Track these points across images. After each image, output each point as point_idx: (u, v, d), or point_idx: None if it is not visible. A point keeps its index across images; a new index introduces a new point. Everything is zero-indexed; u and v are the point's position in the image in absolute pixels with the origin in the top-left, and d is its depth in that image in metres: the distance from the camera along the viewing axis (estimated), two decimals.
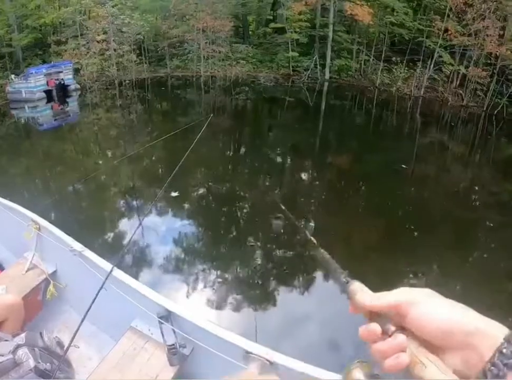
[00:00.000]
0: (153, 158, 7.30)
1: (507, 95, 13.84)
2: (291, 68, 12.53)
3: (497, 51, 13.07)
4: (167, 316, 1.64)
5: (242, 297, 3.91)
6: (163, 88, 13.22)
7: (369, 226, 5.45)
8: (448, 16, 13.47)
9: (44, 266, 2.20)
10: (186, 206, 5.76)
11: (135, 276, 2.86)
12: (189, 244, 4.76)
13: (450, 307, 0.37)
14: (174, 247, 4.60)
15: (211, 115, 6.51)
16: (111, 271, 1.70)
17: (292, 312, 3.72)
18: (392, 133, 11.31)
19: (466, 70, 13.40)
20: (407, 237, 5.37)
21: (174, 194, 5.79)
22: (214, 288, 3.90)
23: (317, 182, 7.60)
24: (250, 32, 14.11)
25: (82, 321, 1.33)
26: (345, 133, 10.29)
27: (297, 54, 12.55)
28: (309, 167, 7.99)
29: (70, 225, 4.33)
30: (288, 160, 8.31)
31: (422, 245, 4.98)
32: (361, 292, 0.44)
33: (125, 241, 4.56)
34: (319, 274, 4.26)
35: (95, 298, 1.40)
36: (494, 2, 13.15)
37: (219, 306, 3.67)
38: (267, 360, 1.37)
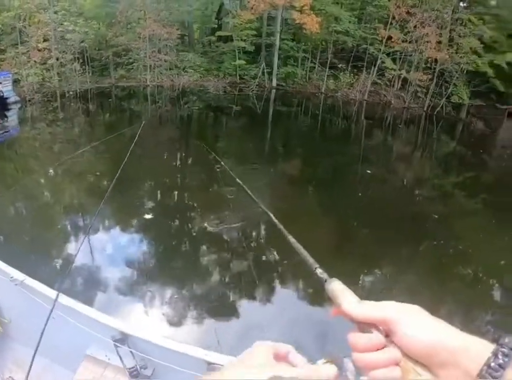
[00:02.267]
0: (96, 172, 6.97)
1: (446, 95, 14.78)
2: (238, 77, 12.59)
3: (436, 56, 13.93)
4: (123, 339, 1.56)
5: (199, 310, 3.81)
6: (109, 99, 12.80)
7: (322, 227, 5.60)
8: (391, 24, 14.16)
9: None
10: (133, 220, 5.51)
11: (84, 300, 2.68)
12: (139, 260, 4.53)
13: (435, 325, 0.37)
14: (123, 265, 4.36)
15: (143, 122, 6.39)
16: (57, 298, 1.59)
17: (252, 320, 3.71)
18: (339, 136, 11.69)
19: (408, 74, 14.15)
20: (359, 234, 5.57)
21: (118, 208, 5.60)
22: (169, 304, 3.75)
23: (266, 188, 7.68)
24: (195, 40, 14.00)
25: (34, 356, 1.24)
26: (294, 139, 10.49)
27: (244, 62, 12.63)
28: (258, 173, 8.01)
29: (8, 250, 4.04)
30: (237, 167, 8.25)
31: (374, 240, 5.19)
32: (342, 295, 0.42)
33: (69, 263, 4.29)
34: (278, 281, 4.30)
35: (44, 330, 1.31)
36: (435, 12, 14.02)
37: (177, 322, 3.56)
38: None
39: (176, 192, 6.56)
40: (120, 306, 3.68)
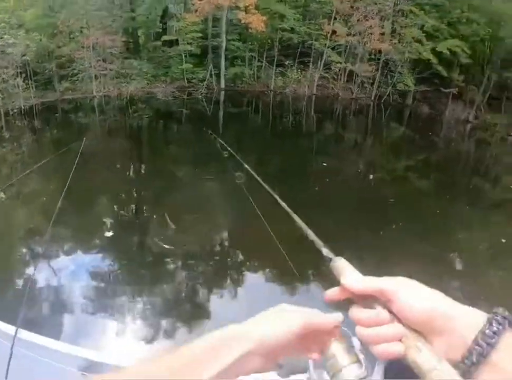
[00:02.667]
0: (43, 194, 6.77)
1: (392, 84, 15.46)
2: (186, 81, 12.63)
3: (380, 47, 14.53)
4: (92, 368, 1.52)
5: (171, 324, 3.78)
6: (55, 114, 12.47)
7: (281, 222, 5.77)
8: (335, 19, 14.61)
9: None
10: (89, 238, 5.42)
11: (46, 332, 2.53)
12: (99, 281, 4.41)
13: (431, 295, 0.40)
14: (84, 288, 4.24)
15: (84, 139, 6.33)
16: (16, 333, 1.50)
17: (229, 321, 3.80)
18: (291, 132, 12.00)
19: (354, 67, 14.70)
20: (321, 225, 5.79)
21: (68, 229, 5.45)
22: (137, 324, 3.68)
23: (224, 187, 7.75)
24: (140, 47, 13.89)
25: None
26: (246, 139, 10.66)
27: (192, 66, 12.68)
28: (214, 175, 8.02)
29: None
30: (192, 172, 8.15)
31: (336, 230, 5.41)
32: (346, 272, 0.43)
33: (23, 294, 4.14)
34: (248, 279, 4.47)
35: (7, 370, 1.25)
36: (377, 5, 14.58)
37: (149, 341, 3.47)
38: None
39: (133, 206, 6.50)
40: (85, 332, 3.58)
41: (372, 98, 15.08)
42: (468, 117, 15.30)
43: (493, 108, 14.82)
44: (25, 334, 1.63)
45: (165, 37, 13.33)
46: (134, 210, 6.42)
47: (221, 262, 5.07)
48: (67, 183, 3.80)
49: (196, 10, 13.55)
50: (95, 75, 12.23)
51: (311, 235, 0.50)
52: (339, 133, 12.94)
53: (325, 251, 0.47)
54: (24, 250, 5.21)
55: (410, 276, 0.42)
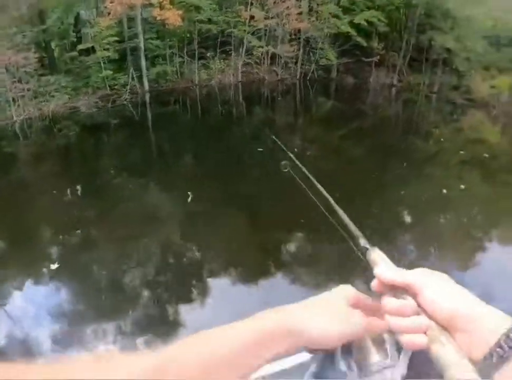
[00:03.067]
0: None
1: (315, 61, 16.15)
2: (108, 88, 12.60)
3: (299, 27, 15.03)
4: None
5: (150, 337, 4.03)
6: None
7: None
8: (251, 4, 14.86)
9: None
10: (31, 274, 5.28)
11: None
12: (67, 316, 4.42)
13: (457, 292, 0.40)
14: (54, 323, 4.26)
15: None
16: None
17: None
18: (223, 123, 12.39)
19: (275, 49, 15.18)
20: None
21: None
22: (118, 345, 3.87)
23: (158, 187, 7.98)
24: (56, 60, 13.56)
25: None
26: (179, 137, 10.85)
27: (111, 72, 12.62)
28: (148, 182, 8.15)
29: None
30: (129, 182, 8.16)
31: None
32: (380, 263, 0.45)
33: None
34: None
35: None
36: None
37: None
38: None
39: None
40: None
41: (298, 77, 15.72)
42: (392, 82, 16.39)
43: (414, 69, 15.96)
44: None
45: (80, 46, 13.07)
46: (79, 233, 6.27)
47: None
48: None
49: (109, 13, 13.30)
50: (13, 98, 11.89)
51: (350, 224, 0.50)
52: (269, 116, 13.51)
53: (363, 241, 0.47)
54: None
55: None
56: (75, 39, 13.61)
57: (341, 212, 0.52)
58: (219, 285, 4.99)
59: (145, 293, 4.94)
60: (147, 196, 7.47)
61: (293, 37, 15.70)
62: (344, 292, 0.46)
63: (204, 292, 4.97)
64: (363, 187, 7.44)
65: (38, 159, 10.16)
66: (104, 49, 12.82)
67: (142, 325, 4.32)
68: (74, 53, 13.03)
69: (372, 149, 10.08)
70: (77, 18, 14.19)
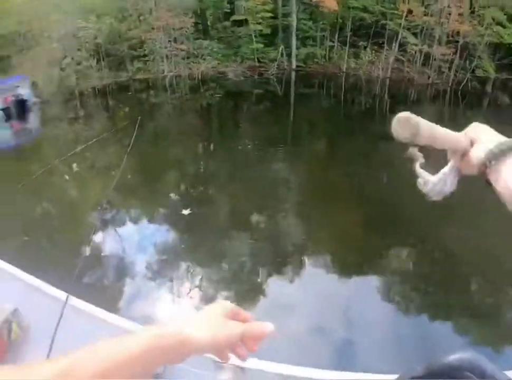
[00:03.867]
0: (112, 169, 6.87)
1: (470, 70, 14.17)
2: (256, 61, 12.32)
3: (459, 29, 13.34)
4: None
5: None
6: (129, 93, 12.69)
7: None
8: None
9: (3, 306, 2.04)
10: (149, 210, 5.35)
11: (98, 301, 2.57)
12: (157, 251, 4.31)
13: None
14: (137, 259, 4.17)
15: (139, 117, 6.44)
16: (66, 300, 1.65)
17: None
18: (363, 117, 11.34)
19: (430, 49, 13.60)
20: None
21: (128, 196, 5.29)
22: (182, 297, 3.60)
23: (292, 166, 7.43)
24: (209, 27, 13.78)
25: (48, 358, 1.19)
26: (317, 121, 10.20)
27: (262, 46, 12.34)
28: (285, 153, 7.79)
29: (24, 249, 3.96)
30: (266, 149, 7.91)
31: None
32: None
33: (80, 260, 4.16)
34: None
35: (55, 333, 1.38)
36: None
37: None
38: (238, 367, 1.35)
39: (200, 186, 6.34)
40: (136, 306, 3.50)
41: (450, 84, 13.89)
42: None
43: None
44: (75, 301, 1.76)
45: (235, 17, 13.09)
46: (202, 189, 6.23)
47: None
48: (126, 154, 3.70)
49: None
50: (166, 56, 12.29)
51: None
52: None
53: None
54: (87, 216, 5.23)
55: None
56: (228, 11, 13.69)
57: None
58: None
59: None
60: (275, 166, 7.00)
61: (451, 39, 13.96)
62: (221, 306, 0.49)
63: None
64: None
65: (180, 112, 10.21)
66: (257, 23, 12.63)
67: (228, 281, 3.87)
68: (227, 23, 13.05)
69: None
70: None
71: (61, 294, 1.79)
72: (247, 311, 0.50)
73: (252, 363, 1.36)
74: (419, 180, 0.58)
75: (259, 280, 3.90)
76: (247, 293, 3.78)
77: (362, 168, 6.79)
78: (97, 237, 4.51)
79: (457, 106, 13.86)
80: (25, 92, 12.53)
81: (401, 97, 12.71)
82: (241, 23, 12.99)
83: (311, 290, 3.78)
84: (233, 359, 1.31)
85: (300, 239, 4.60)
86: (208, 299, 3.57)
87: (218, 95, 10.86)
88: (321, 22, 13.05)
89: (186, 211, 4.93)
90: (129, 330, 1.58)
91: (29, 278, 1.96)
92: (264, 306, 3.50)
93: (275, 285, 3.77)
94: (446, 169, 0.59)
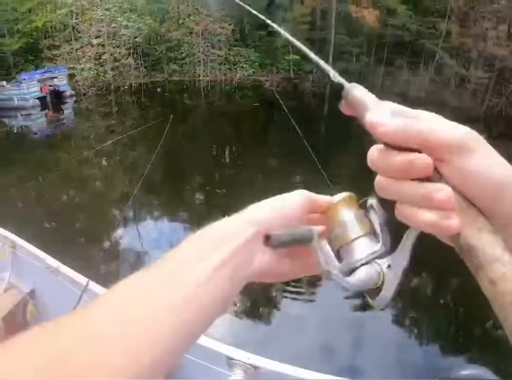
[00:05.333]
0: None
1: (505, 95, 13.93)
2: (291, 72, 12.40)
3: (496, 53, 13.15)
4: None
5: None
6: (165, 93, 12.93)
7: None
8: (449, 18, 13.52)
9: (21, 285, 2.11)
10: (170, 207, 5.63)
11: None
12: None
13: (503, 163, 0.25)
14: (155, 252, 4.29)
15: (171, 116, 6.63)
16: (87, 285, 1.65)
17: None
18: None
19: (467, 72, 13.45)
20: None
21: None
22: None
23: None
24: (246, 35, 13.96)
25: None
26: (345, 141, 10.14)
27: (298, 57, 12.43)
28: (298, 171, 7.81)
29: (47, 235, 4.17)
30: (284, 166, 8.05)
31: None
32: (369, 102, 0.26)
33: (107, 247, 4.42)
34: None
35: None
36: (496, 5, 13.25)
37: None
38: (251, 365, 1.32)
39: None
40: None
41: (483, 108, 13.69)
42: None
43: None
44: (95, 287, 1.75)
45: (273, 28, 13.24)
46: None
47: None
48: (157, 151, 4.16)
49: (303, 1, 13.33)
50: (203, 60, 12.48)
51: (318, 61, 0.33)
52: None
53: (332, 74, 0.31)
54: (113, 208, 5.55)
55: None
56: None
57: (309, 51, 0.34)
58: None
59: None
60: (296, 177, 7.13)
61: (487, 63, 13.77)
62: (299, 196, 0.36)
63: None
64: None
65: (210, 117, 10.29)
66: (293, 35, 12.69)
67: None
68: (262, 32, 13.20)
69: None
70: (271, 0, 14.50)
71: (80, 278, 1.80)
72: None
73: (264, 363, 1.32)
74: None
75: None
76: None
77: None
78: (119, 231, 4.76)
79: (490, 132, 13.62)
80: (61, 83, 12.97)
81: None
82: (276, 34, 13.10)
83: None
84: (245, 359, 1.33)
85: None
86: None
87: (255, 104, 10.96)
88: (357, 38, 13.08)
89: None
90: None
91: (50, 259, 1.95)
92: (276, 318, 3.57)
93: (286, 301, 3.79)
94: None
